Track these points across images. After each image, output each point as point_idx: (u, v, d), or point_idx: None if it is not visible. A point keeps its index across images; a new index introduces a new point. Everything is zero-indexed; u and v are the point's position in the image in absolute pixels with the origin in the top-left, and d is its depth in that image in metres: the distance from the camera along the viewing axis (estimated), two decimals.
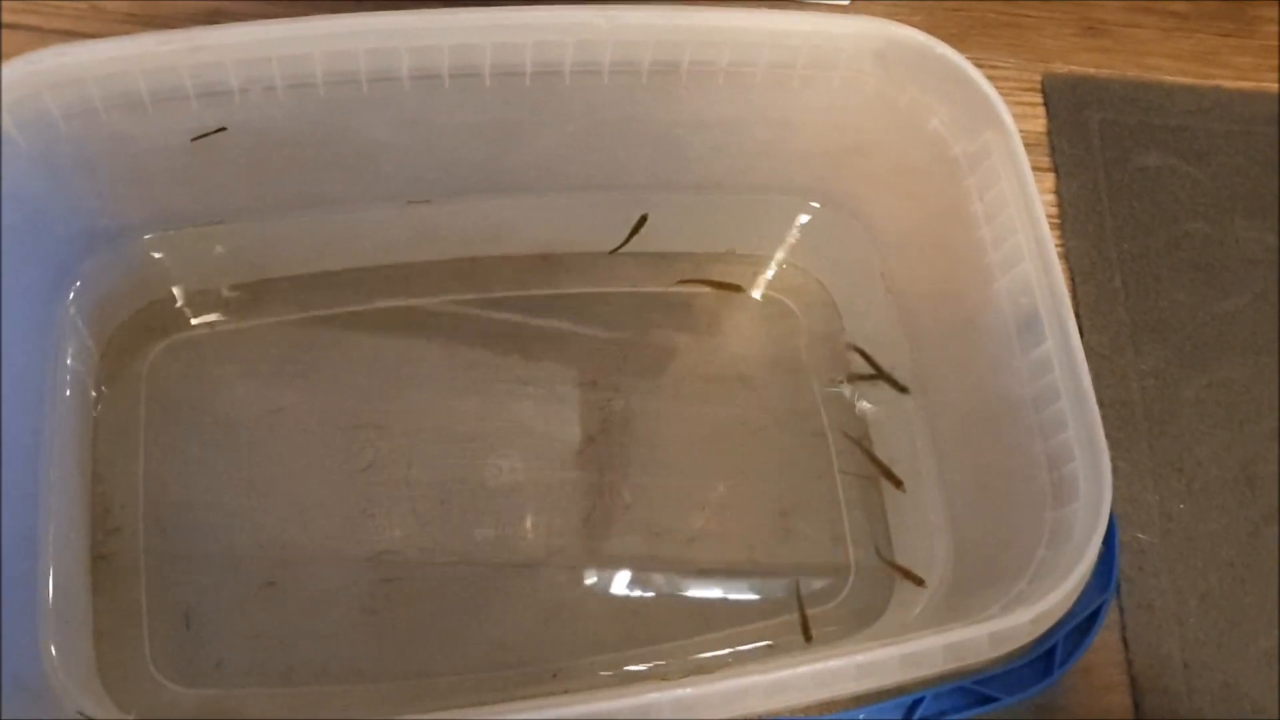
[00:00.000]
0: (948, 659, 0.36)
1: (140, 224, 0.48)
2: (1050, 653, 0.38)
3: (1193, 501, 0.55)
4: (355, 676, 0.47)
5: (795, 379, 0.54)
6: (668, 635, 0.49)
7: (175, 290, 0.51)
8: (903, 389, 0.50)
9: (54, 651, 0.43)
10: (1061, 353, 0.40)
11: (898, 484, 0.50)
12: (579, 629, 0.49)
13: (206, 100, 0.42)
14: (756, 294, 0.55)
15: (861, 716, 0.37)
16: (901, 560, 0.49)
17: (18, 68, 0.39)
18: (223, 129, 0.43)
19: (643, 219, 0.52)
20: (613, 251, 0.53)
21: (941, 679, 0.37)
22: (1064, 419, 0.40)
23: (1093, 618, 0.38)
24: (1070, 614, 0.38)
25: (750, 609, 0.50)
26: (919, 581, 0.47)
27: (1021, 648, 0.37)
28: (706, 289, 0.54)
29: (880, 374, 0.51)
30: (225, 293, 0.51)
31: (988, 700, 0.37)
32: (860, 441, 0.52)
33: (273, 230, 0.50)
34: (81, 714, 0.43)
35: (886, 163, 0.49)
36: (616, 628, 0.49)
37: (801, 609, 0.49)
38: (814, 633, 0.48)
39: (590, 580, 0.50)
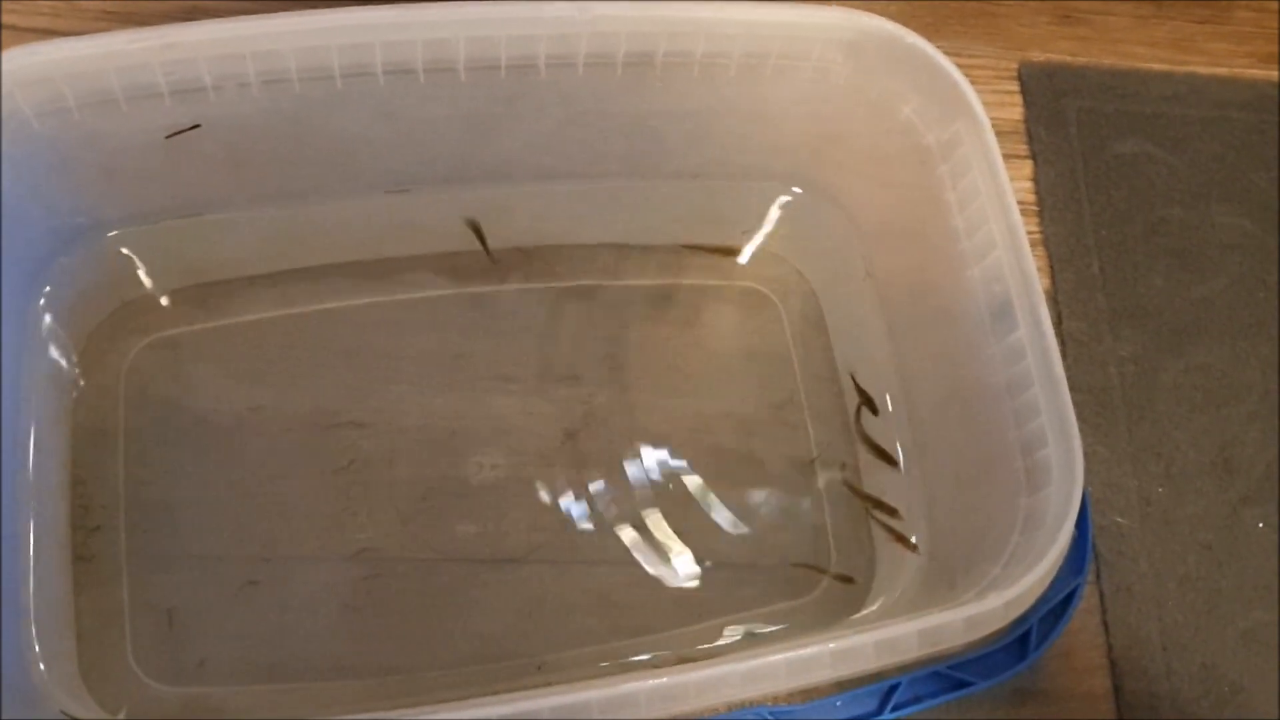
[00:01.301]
0: (923, 644, 0.36)
1: (115, 221, 0.48)
2: (1025, 637, 0.38)
3: (1171, 485, 0.55)
4: (339, 673, 0.48)
5: (777, 370, 0.54)
6: (652, 627, 0.49)
7: (152, 288, 0.51)
8: (894, 464, 0.51)
9: (37, 651, 0.43)
10: (1034, 339, 0.40)
11: (893, 463, 0.50)
12: (562, 623, 0.49)
13: (180, 97, 0.42)
14: (743, 259, 0.55)
15: (839, 704, 0.37)
16: (880, 546, 0.49)
17: None
18: (197, 126, 0.43)
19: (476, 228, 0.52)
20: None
21: (917, 664, 0.37)
22: (1037, 405, 0.40)
23: (1067, 601, 0.39)
24: (1044, 598, 0.38)
25: (733, 600, 0.50)
26: (893, 511, 0.48)
27: (996, 632, 0.38)
28: (710, 278, 0.54)
29: (871, 444, 0.52)
30: (203, 290, 0.51)
31: (963, 685, 0.37)
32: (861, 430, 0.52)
33: (250, 226, 0.50)
34: (65, 714, 0.43)
35: (861, 152, 0.49)
36: (600, 621, 0.49)
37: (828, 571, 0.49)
38: (790, 624, 0.49)
39: (572, 575, 0.50)
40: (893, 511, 0.49)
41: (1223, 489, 0.56)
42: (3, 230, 0.43)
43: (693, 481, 0.52)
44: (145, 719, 0.45)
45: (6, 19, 0.57)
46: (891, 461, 0.50)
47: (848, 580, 0.49)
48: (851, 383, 0.52)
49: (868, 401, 0.51)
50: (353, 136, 0.46)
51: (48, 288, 0.47)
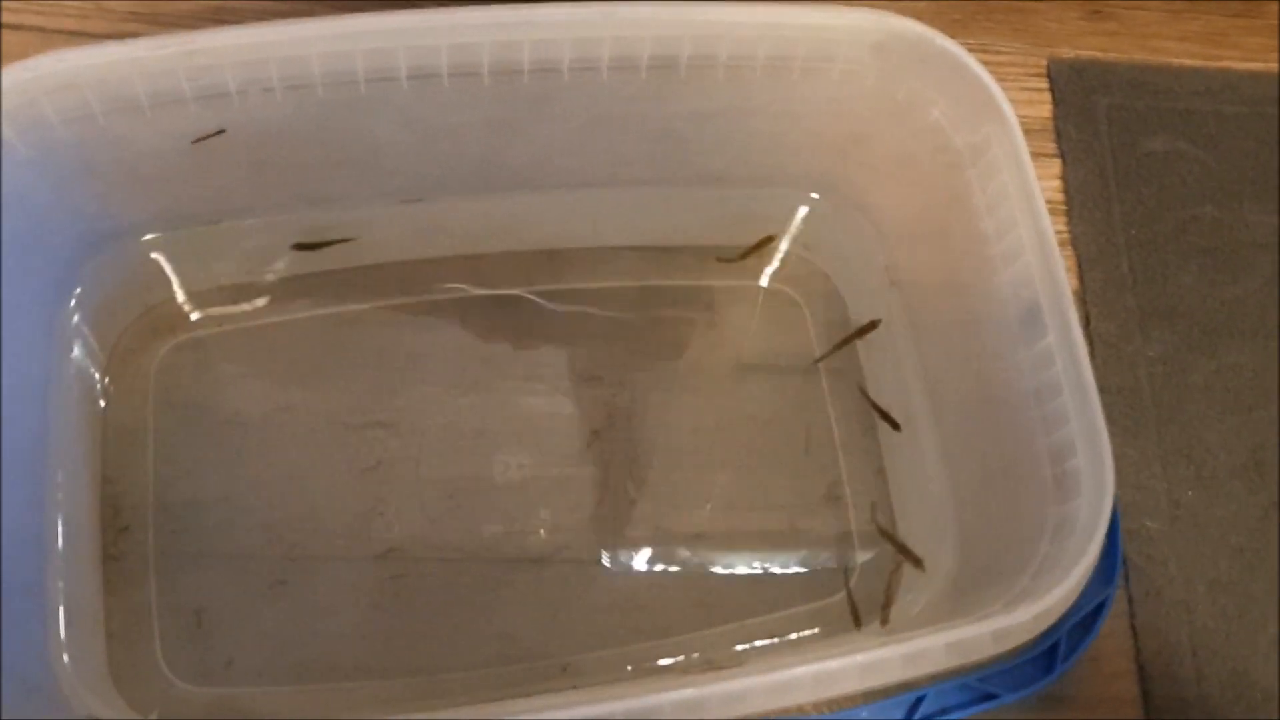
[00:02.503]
0: (950, 657, 0.36)
1: (142, 226, 0.49)
2: (1053, 649, 0.38)
3: (1201, 488, 0.55)
4: (365, 673, 0.48)
5: (801, 370, 0.54)
6: (676, 629, 0.49)
7: (180, 291, 0.51)
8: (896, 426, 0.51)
9: (65, 654, 0.44)
10: (1063, 346, 0.40)
11: (895, 426, 0.50)
12: (587, 623, 0.49)
13: (204, 103, 0.42)
14: (783, 247, 0.55)
15: (865, 715, 0.37)
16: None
17: (15, 74, 0.39)
18: (222, 131, 0.43)
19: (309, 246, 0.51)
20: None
21: (944, 676, 0.37)
22: (1066, 414, 0.40)
23: (1096, 613, 0.38)
24: (1073, 610, 0.38)
25: (757, 603, 0.50)
26: (917, 562, 0.47)
27: (1024, 644, 0.37)
28: (732, 278, 0.54)
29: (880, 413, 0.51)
30: (230, 293, 0.51)
31: (990, 697, 0.37)
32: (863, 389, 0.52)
33: (277, 230, 0.50)
34: (92, 717, 0.43)
35: (888, 154, 0.48)
36: (625, 622, 0.49)
37: (850, 596, 0.49)
38: (819, 628, 0.48)
39: (597, 575, 0.50)
40: (917, 561, 0.49)
41: (1254, 492, 0.55)
42: (31, 234, 0.43)
43: (716, 482, 0.52)
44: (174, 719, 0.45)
45: (33, 20, 0.57)
46: (896, 425, 0.50)
47: (918, 563, 0.48)
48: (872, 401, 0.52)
49: (886, 417, 0.51)
50: (377, 141, 0.46)
51: (78, 290, 0.48)
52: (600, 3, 0.42)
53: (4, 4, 0.57)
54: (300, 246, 0.51)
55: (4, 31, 0.57)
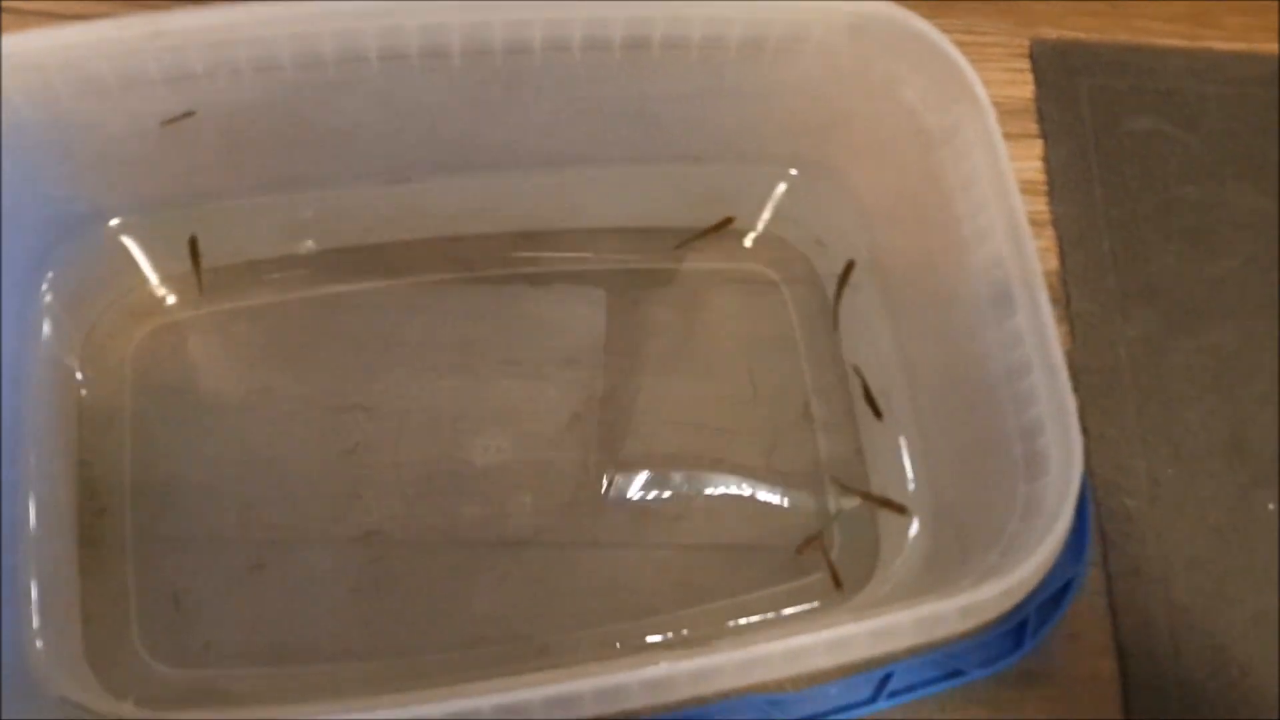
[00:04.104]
0: (918, 633, 0.36)
1: (115, 209, 0.49)
2: (1022, 625, 0.38)
3: (1181, 467, 0.55)
4: (344, 655, 0.48)
5: (779, 352, 0.54)
6: (655, 609, 0.49)
7: (154, 275, 0.51)
8: (878, 414, 0.51)
9: (39, 639, 0.44)
10: (1033, 326, 0.40)
11: (878, 415, 0.51)
12: (566, 605, 0.49)
13: (172, 84, 0.42)
14: (747, 242, 0.55)
15: (833, 690, 0.37)
16: (882, 530, 0.49)
17: None
18: (191, 113, 0.43)
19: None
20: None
21: (912, 652, 0.37)
22: (1036, 393, 0.40)
23: (1064, 590, 0.38)
24: (1042, 587, 0.38)
25: (737, 581, 0.50)
26: (901, 509, 0.48)
27: (993, 620, 0.37)
28: (713, 260, 0.55)
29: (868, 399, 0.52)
30: (206, 276, 0.51)
31: (958, 673, 0.37)
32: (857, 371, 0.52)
33: (251, 212, 0.50)
34: (65, 699, 0.43)
35: (864, 136, 0.48)
36: (605, 603, 0.50)
37: (829, 562, 0.49)
38: (803, 604, 0.49)
39: (577, 557, 0.50)
40: (900, 509, 0.49)
41: (1233, 471, 0.55)
42: (2, 217, 0.43)
43: (697, 463, 0.52)
44: (151, 703, 0.45)
45: (10, 3, 0.57)
46: (878, 413, 0.51)
47: (837, 584, 0.49)
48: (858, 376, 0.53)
49: (873, 405, 0.51)
50: (349, 122, 0.46)
51: (50, 274, 0.48)
52: None
53: None
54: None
55: (8, 16, 0.56)
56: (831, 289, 0.54)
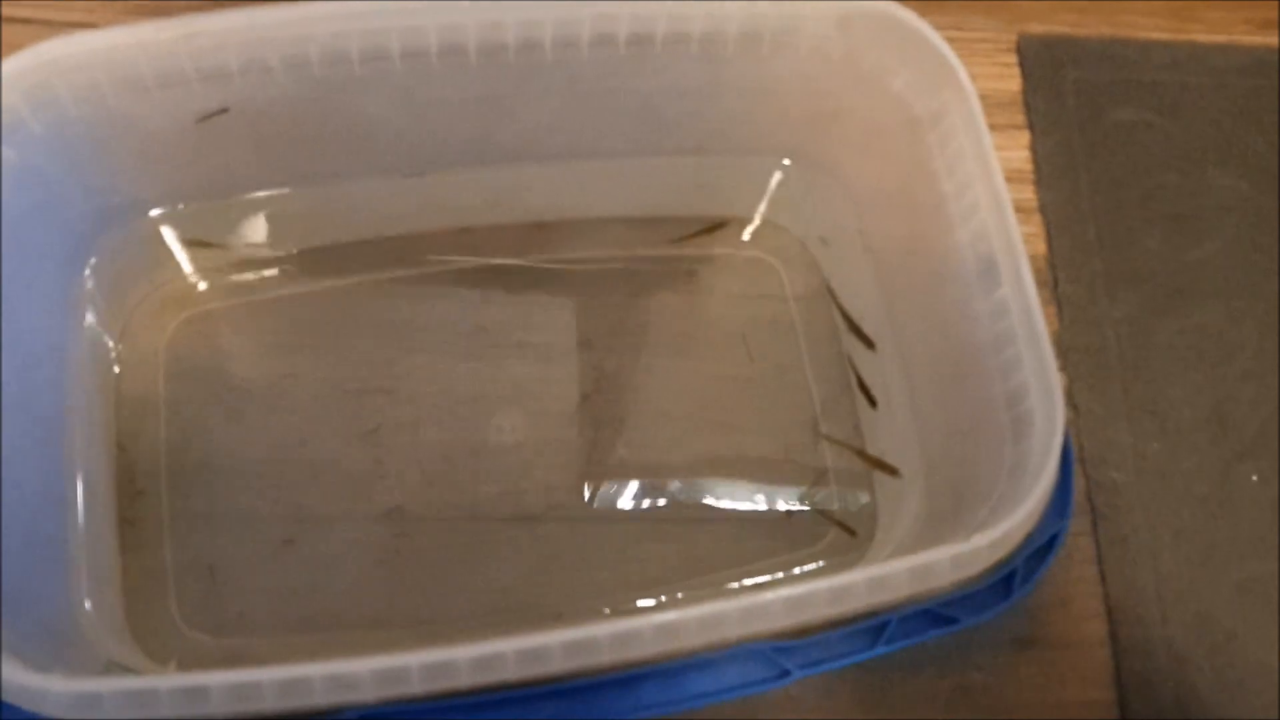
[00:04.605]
0: (912, 582, 0.38)
1: (151, 201, 0.51)
2: (1010, 577, 0.40)
3: (1166, 441, 0.57)
4: (368, 624, 0.50)
5: (781, 333, 0.56)
6: (664, 580, 0.52)
7: (188, 264, 0.54)
8: (870, 343, 0.53)
9: (87, 605, 0.46)
10: (1017, 296, 0.42)
11: (872, 402, 0.53)
12: (579, 576, 0.52)
13: (208, 82, 0.44)
14: (745, 235, 0.57)
15: (834, 638, 0.39)
16: (880, 499, 0.52)
17: (29, 56, 0.42)
18: (225, 110, 0.46)
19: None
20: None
21: (908, 602, 0.40)
22: (1020, 360, 0.42)
23: (1050, 544, 0.41)
24: (1029, 541, 0.41)
25: (742, 551, 0.52)
26: (893, 471, 0.50)
27: (983, 572, 0.40)
28: (700, 236, 0.57)
29: (852, 326, 0.54)
30: (237, 267, 0.54)
31: (951, 621, 0.39)
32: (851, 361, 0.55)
33: (279, 205, 0.53)
34: (113, 663, 0.46)
35: (857, 124, 0.51)
36: (617, 574, 0.52)
37: (832, 518, 0.52)
38: (798, 572, 0.51)
39: (588, 531, 0.53)
40: (893, 471, 0.52)
41: (1217, 444, 0.57)
42: (46, 208, 0.46)
43: (702, 439, 0.54)
44: (190, 668, 0.48)
45: (43, 14, 0.60)
46: (872, 402, 0.53)
47: (850, 532, 0.51)
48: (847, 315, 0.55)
49: (863, 337, 0.54)
50: (372, 118, 0.48)
51: (92, 262, 0.50)
52: None
53: None
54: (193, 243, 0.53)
55: (14, 25, 0.59)
56: (828, 271, 0.56)
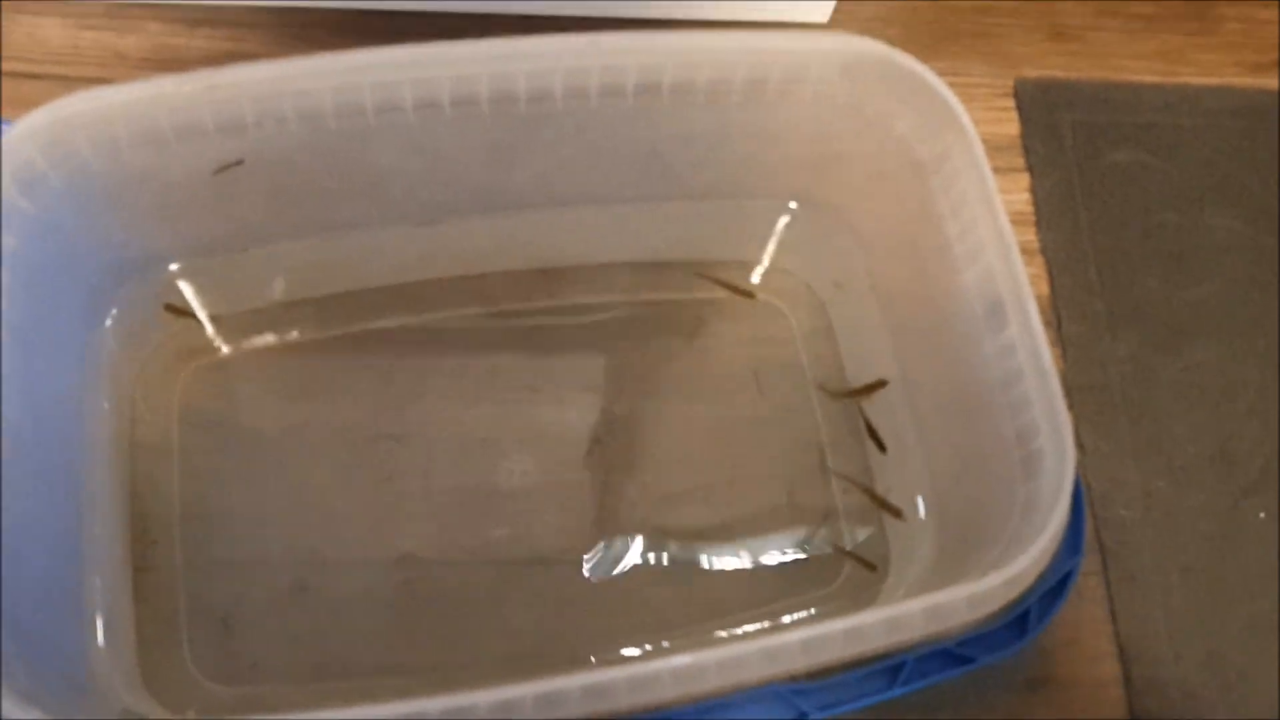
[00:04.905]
0: (928, 622, 0.38)
1: (167, 253, 0.52)
2: (1025, 615, 0.41)
3: (1172, 479, 0.57)
4: (382, 671, 0.50)
5: (789, 376, 0.56)
6: (676, 623, 0.52)
7: (203, 315, 0.54)
8: (882, 447, 0.54)
9: (103, 653, 0.46)
10: (1024, 335, 0.43)
11: (881, 448, 0.53)
12: (593, 620, 0.52)
13: (224, 135, 0.45)
14: (753, 277, 0.58)
15: (851, 680, 0.39)
16: (892, 540, 0.52)
17: (50, 112, 0.42)
18: (240, 162, 0.47)
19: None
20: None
21: (924, 643, 0.40)
22: (1029, 398, 0.42)
23: (1064, 581, 0.41)
24: (1042, 579, 0.41)
25: (754, 594, 0.52)
26: (897, 513, 0.51)
27: (999, 612, 0.40)
28: (721, 291, 0.57)
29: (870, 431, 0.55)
30: (250, 316, 0.54)
31: (967, 661, 0.40)
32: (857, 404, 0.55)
33: (292, 255, 0.53)
34: (128, 712, 0.46)
35: (861, 168, 0.52)
36: (629, 618, 0.52)
37: (848, 553, 0.52)
38: (813, 613, 0.51)
39: (601, 575, 0.53)
40: (897, 513, 0.52)
41: (1222, 481, 0.57)
42: (64, 260, 0.46)
43: (712, 483, 0.54)
44: (207, 717, 0.48)
45: (56, 70, 0.61)
46: (882, 447, 0.54)
47: (870, 567, 0.51)
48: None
49: (873, 435, 0.54)
50: (385, 168, 0.49)
51: (110, 313, 0.51)
52: (588, 34, 0.45)
53: (30, 55, 0.61)
54: (169, 308, 0.53)
55: (30, 81, 0.60)
56: (835, 314, 0.57)
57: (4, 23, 0.61)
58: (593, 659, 0.51)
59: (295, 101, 0.44)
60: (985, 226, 0.44)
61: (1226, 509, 0.57)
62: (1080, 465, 0.56)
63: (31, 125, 0.42)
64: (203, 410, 0.53)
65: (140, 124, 0.44)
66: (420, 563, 0.52)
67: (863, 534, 0.53)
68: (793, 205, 0.56)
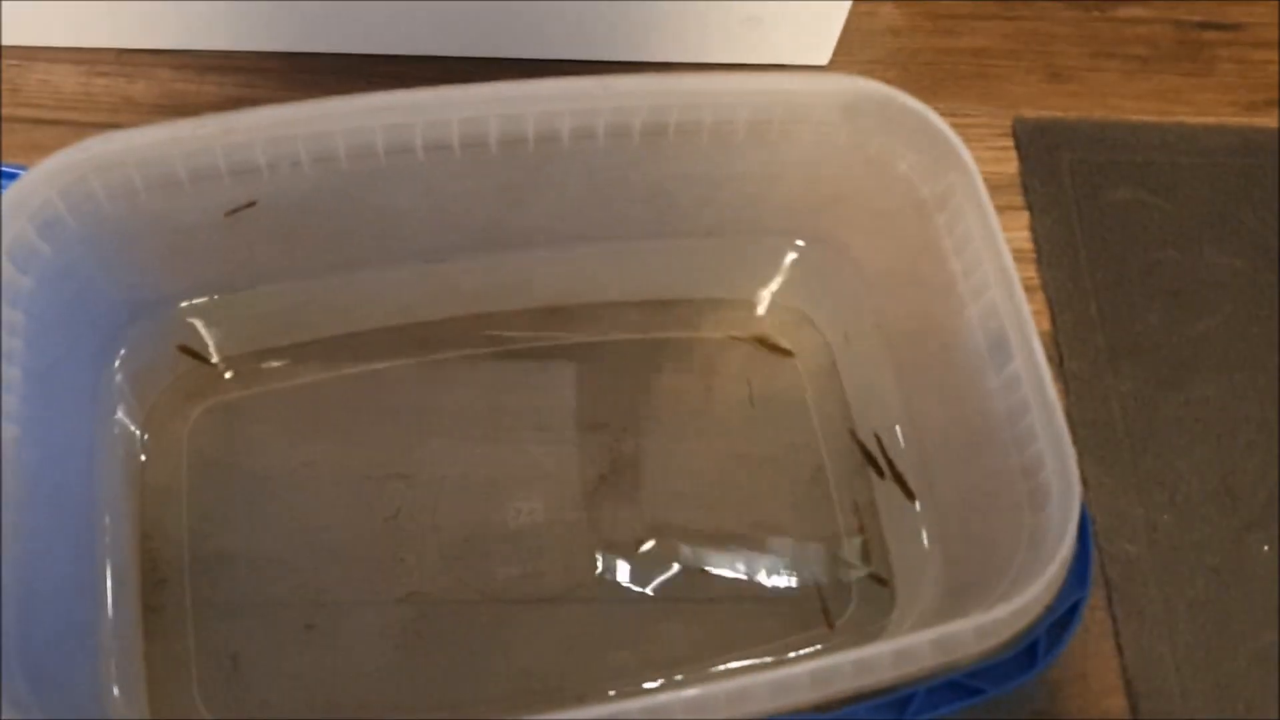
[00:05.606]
0: (936, 654, 0.39)
1: (178, 293, 0.52)
2: (1033, 647, 0.41)
3: (1176, 513, 0.57)
4: (391, 709, 0.50)
5: (794, 414, 0.57)
6: (687, 660, 0.52)
7: (213, 356, 0.55)
8: (911, 495, 0.53)
9: (115, 693, 0.46)
10: (1028, 369, 0.43)
11: (910, 497, 0.53)
12: (599, 657, 0.52)
13: (238, 177, 0.45)
14: (758, 313, 0.59)
15: (861, 712, 0.39)
16: (898, 573, 0.52)
17: (67, 155, 0.43)
18: (253, 203, 0.47)
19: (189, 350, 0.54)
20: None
21: (933, 675, 0.40)
22: (1035, 431, 0.43)
23: (1071, 612, 0.41)
24: (1050, 610, 0.41)
25: (761, 630, 0.53)
26: (910, 495, 0.51)
27: (1006, 642, 0.40)
28: (729, 330, 0.58)
29: (895, 474, 0.54)
30: (258, 356, 0.55)
31: (976, 692, 0.40)
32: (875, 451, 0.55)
33: (302, 296, 0.54)
34: None
35: (864, 207, 0.52)
36: (637, 655, 0.52)
37: (822, 599, 0.52)
38: (820, 644, 0.51)
39: (607, 612, 0.53)
40: (910, 495, 0.52)
41: (1226, 515, 0.58)
42: (78, 302, 0.47)
43: (718, 518, 0.55)
44: None
45: (69, 115, 0.62)
46: (911, 495, 0.53)
47: (881, 582, 0.51)
48: (861, 442, 0.56)
49: (872, 461, 0.54)
50: (395, 209, 0.50)
51: (121, 354, 0.51)
52: (597, 76, 0.46)
53: (43, 101, 0.62)
54: (184, 349, 0.54)
55: (43, 127, 0.61)
56: (840, 350, 0.57)
57: (19, 70, 0.62)
58: (600, 696, 0.51)
59: (308, 144, 0.45)
60: (989, 263, 0.45)
61: (1230, 543, 0.57)
62: (1085, 500, 0.56)
63: (50, 169, 0.43)
64: (211, 450, 0.54)
65: (156, 167, 0.45)
66: (427, 601, 0.52)
67: (870, 568, 0.53)
68: (799, 243, 0.57)
